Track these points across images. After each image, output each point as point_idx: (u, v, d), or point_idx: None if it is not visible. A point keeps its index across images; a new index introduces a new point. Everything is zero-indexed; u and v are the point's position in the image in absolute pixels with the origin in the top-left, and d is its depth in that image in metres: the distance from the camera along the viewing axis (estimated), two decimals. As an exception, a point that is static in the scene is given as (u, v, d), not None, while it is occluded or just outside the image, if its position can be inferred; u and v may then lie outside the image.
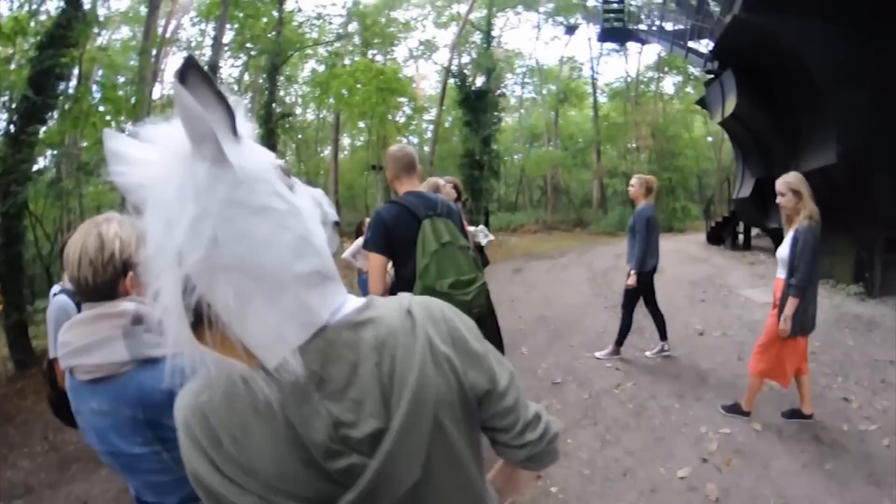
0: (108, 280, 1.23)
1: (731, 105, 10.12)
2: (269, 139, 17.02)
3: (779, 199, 3.56)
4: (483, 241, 4.95)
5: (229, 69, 20.37)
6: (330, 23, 20.52)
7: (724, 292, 8.55)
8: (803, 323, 3.49)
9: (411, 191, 2.69)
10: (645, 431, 3.90)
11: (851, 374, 4.75)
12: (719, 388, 4.59)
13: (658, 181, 18.83)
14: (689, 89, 28.08)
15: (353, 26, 21.56)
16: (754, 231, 14.14)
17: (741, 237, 14.01)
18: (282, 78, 19.54)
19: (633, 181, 5.33)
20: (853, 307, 7.07)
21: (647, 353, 5.57)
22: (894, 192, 7.49)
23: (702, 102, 14.08)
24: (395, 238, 2.56)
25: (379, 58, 22.40)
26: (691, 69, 25.97)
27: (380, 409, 0.64)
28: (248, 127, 0.65)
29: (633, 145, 26.64)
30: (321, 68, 20.53)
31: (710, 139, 29.35)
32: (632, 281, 5.11)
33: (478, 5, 23.99)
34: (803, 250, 3.34)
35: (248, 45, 17.74)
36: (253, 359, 0.61)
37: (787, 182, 3.53)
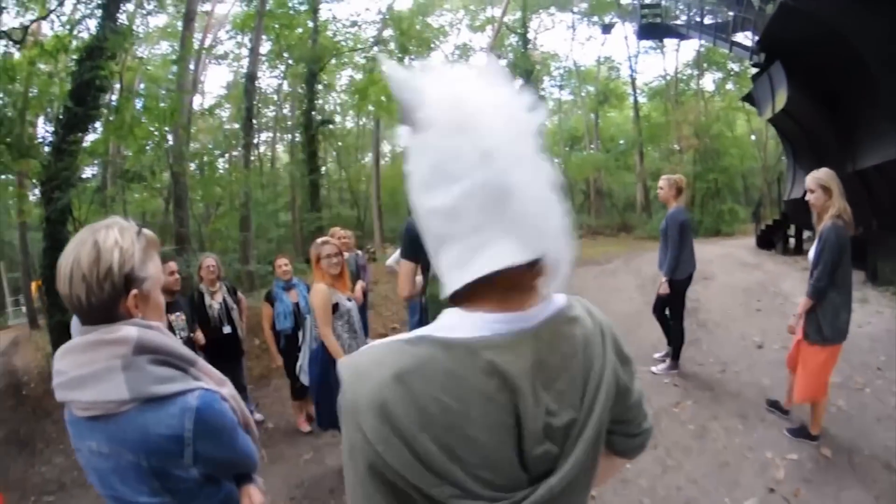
0: (106, 299, 1.05)
1: (781, 99, 9.75)
2: (309, 146, 17.42)
3: (808, 196, 3.36)
4: None
5: (268, 79, 20.96)
6: (365, 30, 20.92)
7: (780, 300, 8.31)
8: (835, 329, 3.28)
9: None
10: (708, 456, 3.84)
11: (924, 391, 4.62)
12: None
13: (704, 183, 18.45)
14: (729, 86, 27.59)
15: (388, 32, 21.76)
16: (806, 234, 13.65)
17: (792, 241, 13.51)
18: (320, 86, 19.79)
19: (662, 182, 5.05)
20: (920, 315, 6.82)
21: (656, 356, 5.56)
22: None
23: (748, 98, 13.62)
24: (420, 246, 2.72)
25: (416, 64, 22.45)
26: (731, 65, 25.73)
27: (577, 402, 0.68)
28: None
29: (676, 146, 25.93)
30: (359, 76, 20.82)
31: (753, 137, 28.51)
32: (664, 289, 4.99)
33: (511, 8, 24.04)
34: (824, 250, 3.18)
35: (285, 54, 18.08)
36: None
37: (817, 178, 3.32)
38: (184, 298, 4.50)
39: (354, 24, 19.67)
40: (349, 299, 3.71)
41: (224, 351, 4.54)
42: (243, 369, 5.05)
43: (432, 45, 23.78)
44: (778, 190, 16.35)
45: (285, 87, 22.36)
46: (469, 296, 0.66)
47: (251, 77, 16.43)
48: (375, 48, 20.89)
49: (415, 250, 2.79)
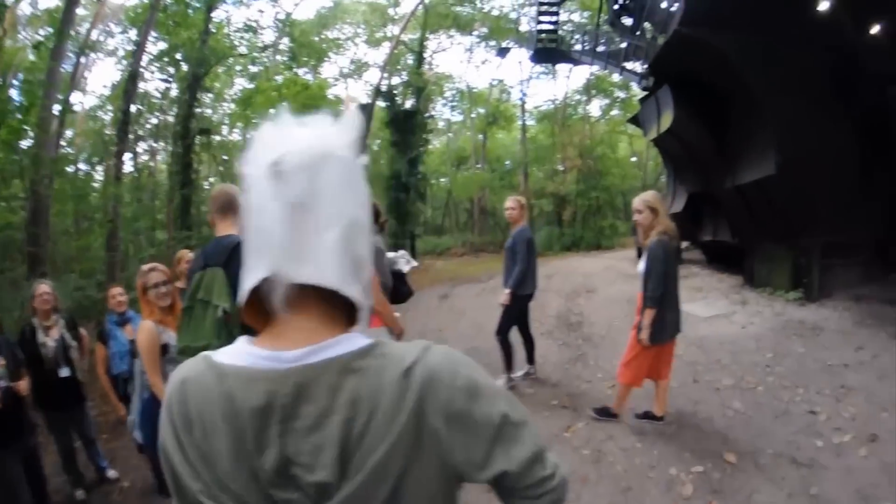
0: None
1: (667, 120, 10.31)
2: (185, 156, 16.10)
3: (635, 216, 3.73)
4: (405, 268, 4.37)
5: (157, 82, 18.83)
6: (260, 34, 19.81)
7: (664, 309, 8.47)
8: (662, 330, 3.68)
9: (217, 235, 2.44)
10: (608, 482, 3.41)
11: (811, 384, 4.72)
12: (681, 417, 4.22)
13: (586, 200, 19.50)
14: (614, 111, 29.80)
15: (284, 42, 21.08)
16: (684, 244, 14.66)
17: (671, 252, 14.43)
18: (207, 95, 18.76)
19: (512, 203, 5.08)
20: (795, 313, 7.21)
21: (513, 376, 5.28)
22: (830, 200, 7.91)
23: (634, 120, 14.46)
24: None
25: (308, 76, 21.73)
26: (618, 92, 27.94)
27: (335, 465, 0.64)
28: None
29: (560, 167, 27.23)
30: (252, 86, 19.57)
31: (634, 158, 31.07)
32: (505, 299, 5.00)
33: (411, 27, 24.05)
34: (653, 263, 3.53)
35: (178, 55, 16.57)
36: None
37: (645, 200, 3.69)
38: (4, 337, 3.55)
39: (249, 28, 18.57)
40: None
41: (61, 398, 3.88)
42: (87, 418, 4.20)
43: (326, 58, 23.38)
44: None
45: (176, 91, 20.44)
46: (257, 327, 0.74)
47: (133, 76, 14.69)
48: (265, 53, 19.99)
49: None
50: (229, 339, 1.88)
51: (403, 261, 4.39)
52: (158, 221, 18.92)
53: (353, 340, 0.69)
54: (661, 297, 3.55)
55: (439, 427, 0.66)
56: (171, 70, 17.62)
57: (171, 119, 19.47)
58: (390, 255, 3.87)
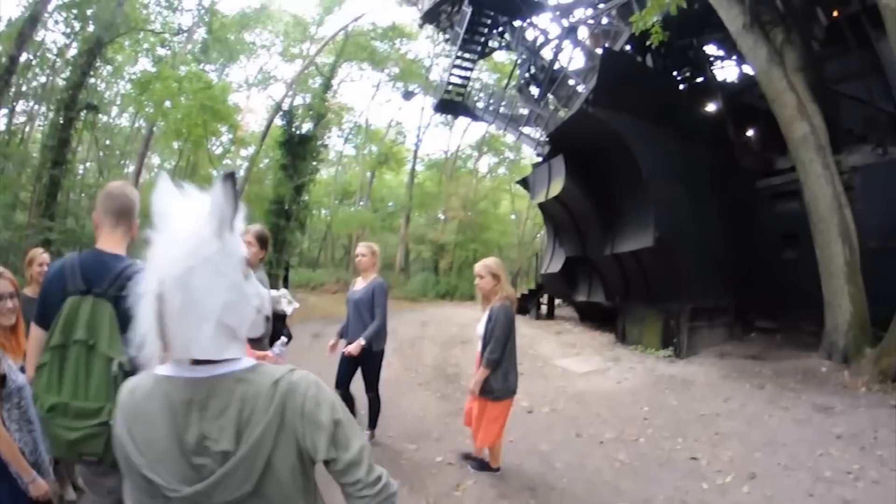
0: None
1: (557, 187, 11.02)
2: (63, 130, 14.30)
3: (477, 281, 3.92)
4: (287, 309, 3.84)
5: (58, 35, 16.39)
6: (179, 15, 18.53)
7: (540, 363, 8.52)
8: (506, 388, 3.79)
9: (101, 248, 1.98)
10: None
11: (688, 433, 4.94)
12: (570, 471, 4.11)
13: (464, 251, 20.02)
14: (501, 170, 31.70)
15: (200, 33, 19.93)
16: (557, 301, 15.42)
17: (545, 308, 15.11)
18: (108, 68, 17.28)
19: (363, 250, 4.70)
20: (666, 369, 7.68)
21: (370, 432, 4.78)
22: (695, 272, 8.97)
23: (523, 183, 15.36)
24: (47, 307, 1.92)
25: (213, 76, 20.33)
26: (508, 153, 29.89)
27: (233, 439, 0.99)
28: (240, 224, 1.06)
29: (442, 216, 27.98)
30: (154, 70, 17.71)
31: (513, 217, 32.73)
32: (356, 349, 4.32)
33: (327, 50, 23.88)
34: (496, 327, 3.68)
35: (89, 11, 14.76)
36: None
37: (488, 266, 3.87)
38: None
39: (170, 5, 17.32)
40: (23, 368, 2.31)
41: None
42: None
43: (237, 61, 22.57)
44: (535, 264, 18.48)
45: (72, 52, 17.43)
46: None
47: (33, 20, 12.94)
48: (178, 38, 18.80)
49: (44, 311, 2.00)
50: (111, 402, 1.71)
51: (285, 300, 3.91)
52: (21, 201, 15.84)
53: (245, 361, 1.06)
54: (498, 359, 3.70)
55: (296, 421, 1.02)
56: (77, 26, 15.64)
57: (61, 83, 16.80)
58: (273, 293, 3.57)
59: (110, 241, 1.97)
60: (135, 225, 2.04)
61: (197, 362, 1.01)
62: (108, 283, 1.84)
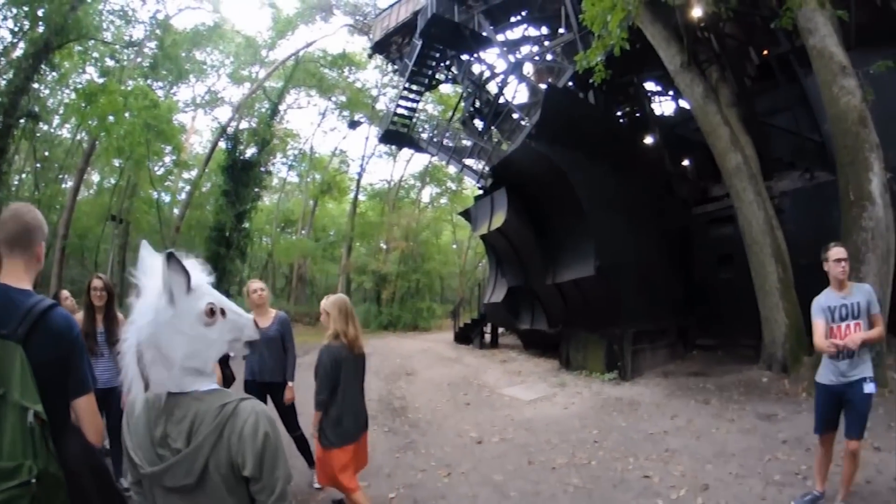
0: None
1: (499, 220, 11.20)
2: (2, 138, 13.49)
3: (322, 318, 3.85)
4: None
5: (3, 31, 15.11)
6: (132, 27, 18.09)
7: (486, 392, 8.39)
8: (337, 434, 3.58)
9: (5, 283, 1.72)
10: None
11: (639, 452, 4.96)
12: (523, 499, 4.02)
13: (406, 281, 20.06)
14: (443, 200, 32.08)
15: (150, 47, 19.29)
16: (500, 330, 15.49)
17: (488, 337, 15.13)
18: (53, 74, 16.46)
19: (261, 285, 4.60)
20: (612, 391, 7.74)
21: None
22: (636, 297, 9.27)
23: (466, 214, 15.52)
24: None
25: (160, 93, 19.68)
26: (450, 184, 30.36)
27: (185, 440, 1.26)
28: (206, 278, 1.40)
29: (384, 245, 27.79)
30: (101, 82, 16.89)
31: (454, 246, 33.09)
32: (291, 395, 4.44)
33: (276, 75, 23.78)
34: (318, 366, 3.63)
35: (40, 11, 13.91)
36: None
37: (324, 305, 3.81)
38: None
39: (124, 15, 16.83)
40: None
41: None
42: None
43: (186, 80, 22.06)
44: (478, 293, 18.57)
45: (20, 52, 15.95)
46: None
47: None
48: (127, 53, 18.22)
49: None
50: (47, 456, 1.57)
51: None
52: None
53: (207, 385, 1.35)
54: (325, 400, 3.57)
55: (233, 439, 1.25)
56: (26, 25, 14.57)
57: (1, 84, 15.37)
58: None
59: (12, 275, 1.73)
60: (38, 252, 1.81)
61: None
62: (17, 321, 1.61)
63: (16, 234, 1.75)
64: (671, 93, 13.29)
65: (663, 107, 14.50)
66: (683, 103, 12.90)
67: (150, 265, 1.33)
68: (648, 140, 11.53)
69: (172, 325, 1.27)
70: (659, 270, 9.86)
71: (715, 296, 9.99)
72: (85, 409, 1.78)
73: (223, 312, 1.38)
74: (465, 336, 15.86)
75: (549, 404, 7.34)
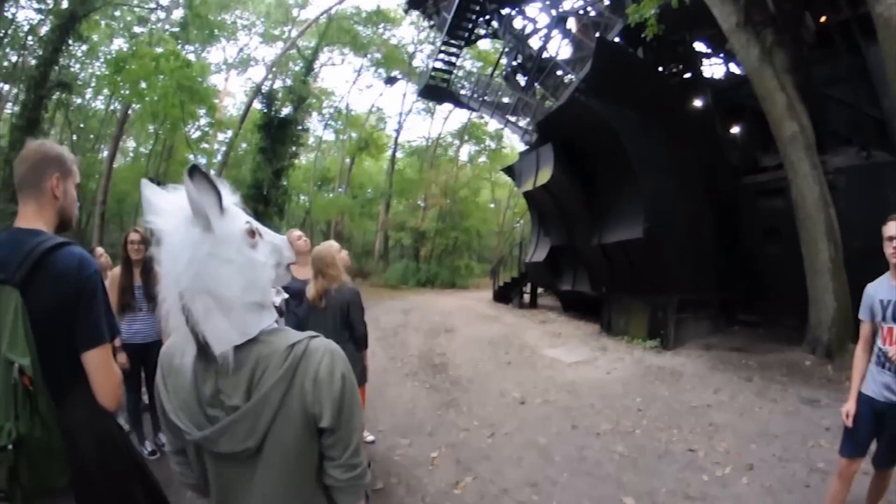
0: None
1: (545, 176, 11.00)
2: (33, 110, 13.71)
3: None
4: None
5: (30, 12, 15.61)
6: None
7: (527, 352, 8.48)
8: None
9: (18, 226, 1.55)
10: None
11: (683, 424, 4.98)
12: (569, 464, 4.07)
13: (444, 238, 20.23)
14: (482, 159, 31.82)
15: (178, 13, 19.16)
16: (539, 290, 15.55)
17: (527, 296, 15.17)
18: (82, 49, 16.79)
19: (298, 233, 4.41)
20: (654, 359, 7.75)
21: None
22: (682, 264, 9.06)
23: (508, 171, 15.33)
24: None
25: (192, 58, 19.59)
26: (489, 142, 30.26)
27: (244, 395, 1.07)
28: (232, 199, 1.13)
29: (423, 204, 27.83)
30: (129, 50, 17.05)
31: (492, 206, 32.98)
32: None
33: (309, 33, 23.57)
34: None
35: None
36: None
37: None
38: None
39: None
40: None
41: None
42: None
43: (217, 42, 22.20)
44: (516, 253, 18.45)
45: (45, 30, 16.68)
46: None
47: None
48: (155, 16, 18.04)
49: None
50: (32, 419, 1.38)
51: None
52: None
53: (266, 322, 1.14)
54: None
55: (306, 385, 1.08)
56: (50, 1, 14.91)
57: (33, 62, 16.03)
58: None
59: (26, 216, 1.56)
60: (50, 187, 1.59)
61: None
62: (17, 264, 1.42)
63: (23, 175, 1.58)
64: (722, 55, 12.68)
65: (713, 70, 13.84)
66: (734, 68, 12.36)
67: (159, 204, 1.07)
68: (698, 103, 11.04)
69: (217, 257, 1.04)
70: (706, 239, 9.63)
71: (759, 271, 9.73)
72: (96, 365, 1.51)
73: (259, 233, 1.18)
74: (504, 295, 15.97)
75: (590, 368, 7.41)
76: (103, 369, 1.51)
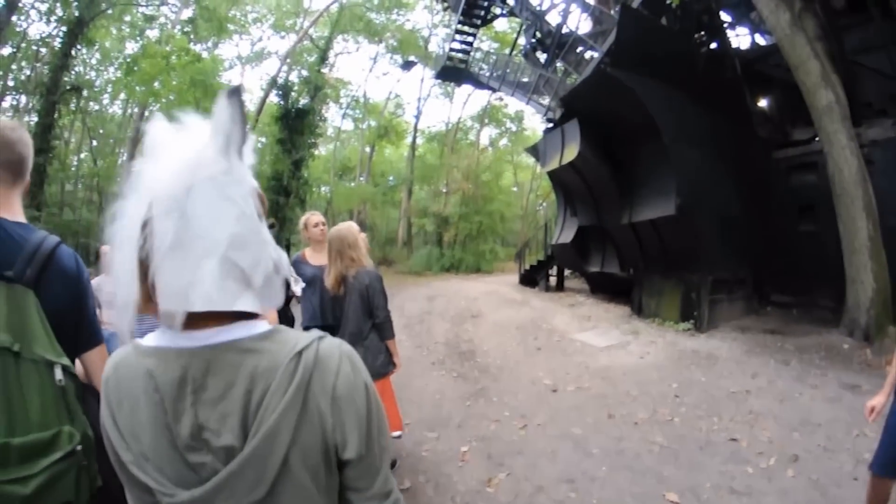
0: None
1: (571, 153, 10.74)
2: (46, 116, 13.72)
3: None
4: (297, 290, 3.53)
5: (40, 25, 15.82)
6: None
7: (557, 337, 8.37)
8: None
9: (12, 219, 1.41)
10: None
11: (723, 412, 4.84)
12: (607, 457, 3.96)
13: (468, 223, 20.07)
14: (503, 142, 31.65)
15: (187, 11, 19.24)
16: (567, 272, 15.37)
17: (554, 279, 15.00)
18: (96, 56, 16.84)
19: (318, 219, 4.21)
20: (687, 343, 7.57)
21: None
22: (714, 242, 8.77)
23: (533, 150, 15.07)
24: None
25: (204, 54, 19.49)
26: (509, 124, 30.02)
27: (238, 430, 0.76)
28: (250, 157, 0.85)
29: (444, 189, 27.69)
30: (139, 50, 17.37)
31: (515, 189, 32.72)
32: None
33: (321, 23, 23.50)
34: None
35: None
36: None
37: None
38: None
39: None
40: None
41: None
42: None
43: (228, 37, 22.08)
44: (544, 236, 18.28)
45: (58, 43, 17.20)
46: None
47: (11, 6, 12.52)
48: (165, 14, 18.12)
49: None
50: (83, 416, 1.33)
51: (292, 279, 3.53)
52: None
53: (256, 326, 0.82)
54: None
55: (323, 405, 0.79)
56: (59, 11, 14.97)
57: (47, 72, 16.51)
58: None
59: (10, 206, 1.42)
60: (27, 182, 1.50)
61: (192, 324, 0.77)
62: (24, 262, 1.31)
63: (21, 157, 1.45)
64: (747, 25, 12.17)
65: (739, 41, 13.32)
66: (759, 39, 11.93)
67: (164, 139, 0.81)
68: (727, 74, 10.61)
69: (219, 186, 0.78)
70: (737, 215, 9.29)
71: (793, 249, 9.34)
72: (97, 364, 1.46)
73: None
74: (531, 278, 15.82)
75: (623, 353, 7.27)
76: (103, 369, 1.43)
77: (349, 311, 3.34)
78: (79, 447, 1.28)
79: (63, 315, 1.37)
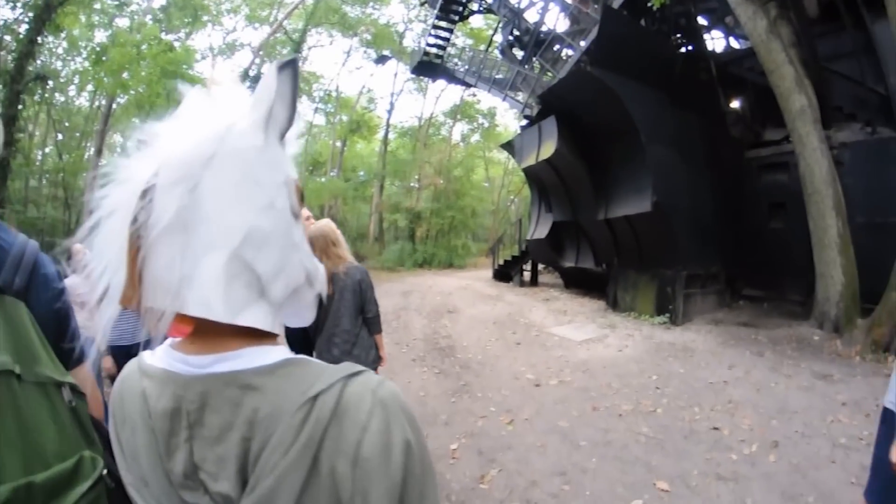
0: None
1: (548, 150, 10.88)
2: (10, 107, 12.99)
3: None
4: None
5: (6, 10, 14.72)
6: None
7: (535, 332, 8.43)
8: None
9: None
10: None
11: (702, 402, 4.98)
12: (594, 449, 4.02)
13: (440, 218, 20.15)
14: (475, 138, 31.80)
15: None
16: (541, 267, 15.55)
17: (527, 274, 15.17)
18: (63, 45, 16.20)
19: (307, 213, 3.99)
20: (664, 336, 7.78)
21: None
22: (689, 238, 9.01)
23: (508, 147, 15.21)
24: None
25: (177, 44, 18.69)
26: (481, 120, 30.18)
27: (235, 480, 0.61)
28: (294, 145, 0.74)
29: (417, 184, 27.65)
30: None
31: (486, 184, 32.88)
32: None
33: (296, 15, 23.08)
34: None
35: None
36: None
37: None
38: None
39: None
40: None
41: None
42: None
43: (201, 26, 21.37)
44: (518, 231, 18.41)
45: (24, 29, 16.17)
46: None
47: None
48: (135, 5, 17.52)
49: None
50: (94, 443, 1.11)
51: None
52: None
53: (265, 354, 0.64)
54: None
55: (341, 468, 0.58)
56: None
57: (11, 60, 15.60)
58: None
59: None
60: None
61: (182, 330, 0.63)
62: (12, 269, 1.13)
63: None
64: (722, 29, 12.58)
65: (714, 44, 13.78)
66: (734, 42, 12.33)
67: (196, 103, 0.68)
68: (702, 76, 10.95)
69: (247, 163, 0.63)
70: (710, 213, 9.62)
71: (764, 245, 9.75)
72: (87, 379, 1.28)
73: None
74: (505, 274, 15.96)
75: (601, 346, 7.38)
76: (93, 383, 1.30)
77: (340, 309, 3.26)
78: (104, 471, 1.07)
79: (48, 329, 1.15)
